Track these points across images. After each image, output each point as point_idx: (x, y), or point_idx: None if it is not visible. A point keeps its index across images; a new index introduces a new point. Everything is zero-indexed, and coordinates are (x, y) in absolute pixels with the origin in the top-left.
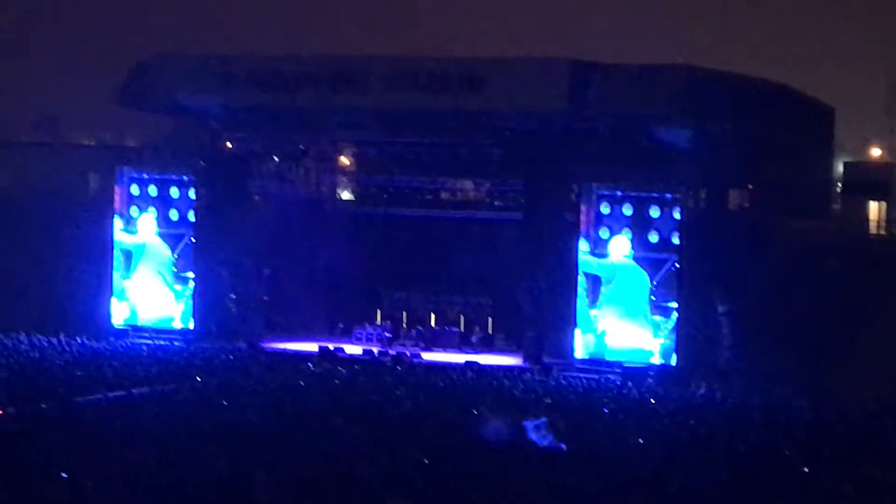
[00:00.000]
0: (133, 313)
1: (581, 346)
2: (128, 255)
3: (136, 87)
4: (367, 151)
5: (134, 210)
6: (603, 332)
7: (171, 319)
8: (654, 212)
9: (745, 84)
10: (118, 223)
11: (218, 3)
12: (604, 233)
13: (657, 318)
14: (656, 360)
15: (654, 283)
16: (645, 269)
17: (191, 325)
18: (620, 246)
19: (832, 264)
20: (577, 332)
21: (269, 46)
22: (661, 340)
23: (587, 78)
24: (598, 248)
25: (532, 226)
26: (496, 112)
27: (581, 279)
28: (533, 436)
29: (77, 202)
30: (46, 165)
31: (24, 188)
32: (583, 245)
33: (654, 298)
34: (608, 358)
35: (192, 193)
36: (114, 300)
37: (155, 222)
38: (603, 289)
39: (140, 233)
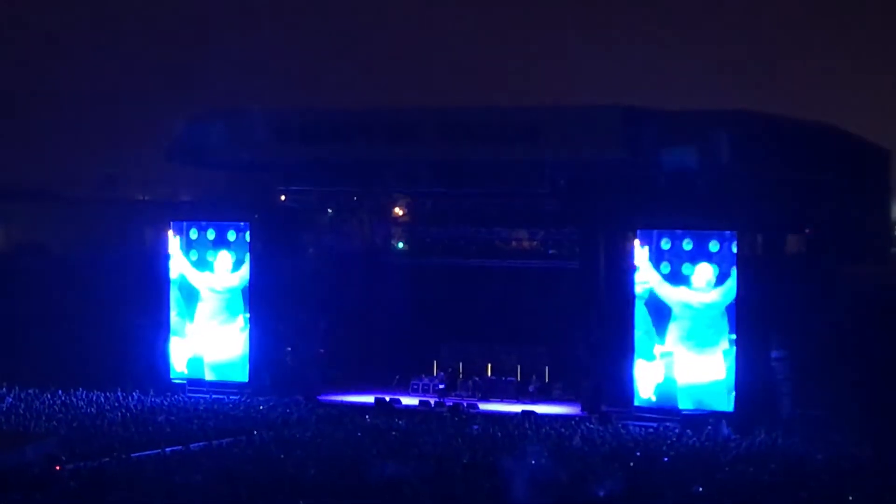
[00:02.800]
0: (194, 358)
1: (646, 382)
2: (189, 297)
3: (188, 143)
4: (421, 202)
5: (193, 255)
6: (670, 366)
7: (234, 364)
8: (711, 256)
9: (799, 127)
10: (181, 267)
11: (269, 55)
12: (665, 268)
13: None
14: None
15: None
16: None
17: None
18: (703, 275)
19: (891, 309)
20: (640, 368)
21: (321, 100)
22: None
23: (641, 124)
24: (672, 280)
25: (587, 274)
26: (550, 160)
27: (645, 314)
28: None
29: (134, 257)
30: (104, 222)
31: (82, 244)
32: (654, 276)
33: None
34: (677, 391)
35: (246, 242)
36: (172, 349)
37: (218, 265)
38: (672, 323)
39: (202, 276)
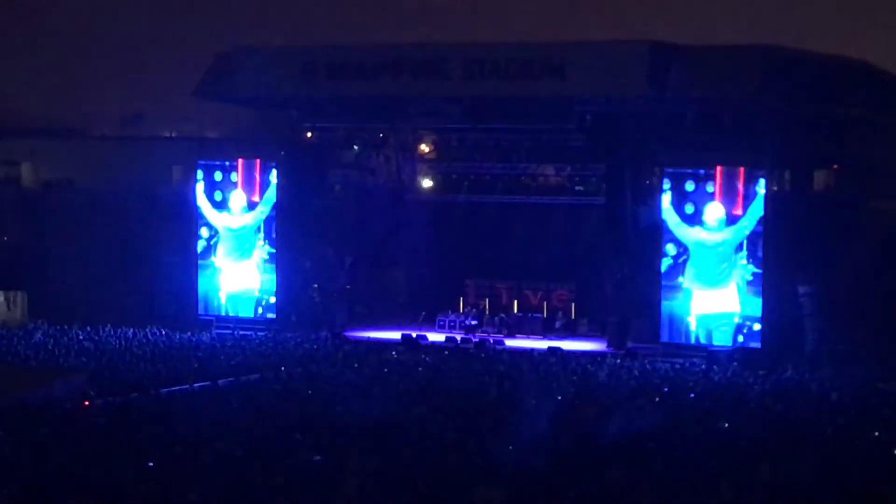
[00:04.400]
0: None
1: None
2: (213, 235)
3: (216, 80)
4: (447, 139)
5: (218, 195)
6: (689, 299)
7: (258, 296)
8: (738, 192)
9: (827, 63)
10: (205, 206)
11: None
12: (689, 208)
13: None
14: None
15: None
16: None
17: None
18: (714, 213)
19: None
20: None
21: (349, 36)
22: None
23: (668, 60)
24: (688, 220)
25: (614, 210)
26: (577, 97)
27: (670, 248)
28: None
29: (161, 195)
30: (131, 159)
31: (109, 182)
32: (672, 217)
33: (740, 270)
34: (695, 324)
35: (273, 181)
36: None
37: (240, 202)
38: (690, 258)
39: (225, 214)
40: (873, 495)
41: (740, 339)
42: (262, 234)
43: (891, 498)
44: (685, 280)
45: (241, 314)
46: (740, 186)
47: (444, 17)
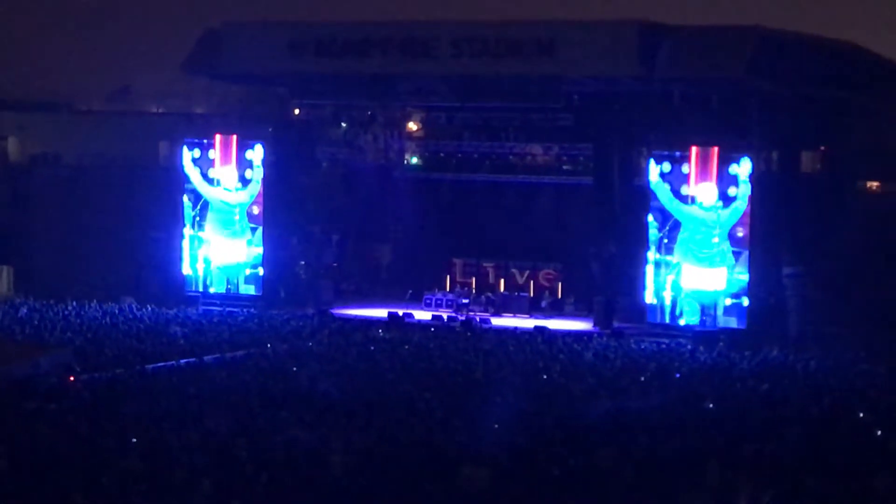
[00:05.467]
0: (206, 262)
1: (652, 289)
2: (203, 208)
3: (204, 56)
4: (435, 117)
5: (200, 173)
6: (678, 274)
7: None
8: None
9: (816, 44)
10: (193, 180)
11: None
12: (679, 187)
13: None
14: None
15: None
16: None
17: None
18: (706, 193)
19: None
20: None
21: (338, 13)
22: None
23: (657, 40)
24: (680, 199)
25: (602, 190)
26: (565, 76)
27: (656, 228)
28: None
29: (149, 169)
30: (118, 134)
31: (96, 156)
32: (664, 192)
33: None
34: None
35: (259, 159)
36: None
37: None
38: (680, 233)
39: (213, 188)
40: (857, 475)
41: (721, 317)
42: (247, 211)
43: (874, 478)
44: (675, 255)
45: (230, 286)
46: (727, 167)
47: None
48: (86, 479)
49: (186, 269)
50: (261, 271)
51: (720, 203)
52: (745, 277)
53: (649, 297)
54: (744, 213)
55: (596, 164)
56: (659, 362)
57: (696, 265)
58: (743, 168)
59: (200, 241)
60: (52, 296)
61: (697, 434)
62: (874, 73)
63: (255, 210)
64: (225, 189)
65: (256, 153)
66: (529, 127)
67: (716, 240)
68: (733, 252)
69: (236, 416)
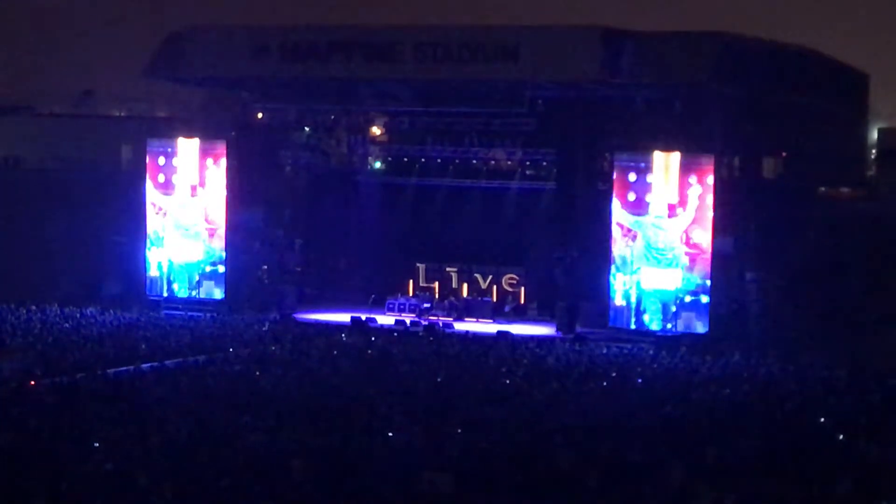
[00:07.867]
0: (169, 262)
1: (620, 293)
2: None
3: (167, 60)
4: (399, 121)
5: (163, 178)
6: (639, 279)
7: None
8: (687, 178)
9: (777, 51)
10: (153, 188)
11: None
12: (632, 196)
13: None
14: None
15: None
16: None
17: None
18: (662, 198)
19: (866, 232)
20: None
21: (302, 16)
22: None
23: (620, 46)
24: (636, 207)
25: (565, 195)
26: (529, 81)
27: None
28: None
29: (111, 173)
30: (81, 138)
31: (58, 160)
32: (620, 201)
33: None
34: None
35: (222, 164)
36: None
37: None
38: (639, 241)
39: (174, 194)
40: (817, 478)
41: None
42: (205, 214)
43: (835, 481)
44: (634, 259)
45: (186, 284)
46: (688, 173)
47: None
48: (46, 484)
49: (153, 272)
50: (220, 269)
51: (680, 207)
52: (707, 282)
53: (618, 300)
54: (705, 218)
55: (559, 169)
56: (621, 367)
57: (655, 267)
58: (704, 172)
59: (161, 240)
60: (12, 299)
61: (657, 439)
62: (835, 79)
63: (215, 213)
64: (183, 195)
65: (218, 157)
66: (493, 132)
67: (674, 243)
68: (694, 256)
69: (198, 421)
